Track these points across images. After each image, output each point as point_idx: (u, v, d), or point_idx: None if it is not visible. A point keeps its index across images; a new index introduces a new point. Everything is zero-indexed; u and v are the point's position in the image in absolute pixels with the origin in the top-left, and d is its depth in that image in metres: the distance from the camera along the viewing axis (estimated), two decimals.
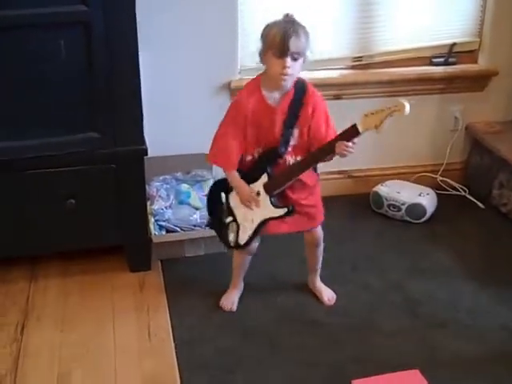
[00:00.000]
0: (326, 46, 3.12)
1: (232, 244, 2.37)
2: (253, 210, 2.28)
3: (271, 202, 2.26)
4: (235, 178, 2.27)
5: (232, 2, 2.87)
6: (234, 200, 2.33)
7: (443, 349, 2.26)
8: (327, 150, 2.14)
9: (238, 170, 2.28)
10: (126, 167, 2.47)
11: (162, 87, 2.91)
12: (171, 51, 2.88)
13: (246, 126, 2.21)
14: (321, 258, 2.50)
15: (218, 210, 2.39)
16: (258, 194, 2.27)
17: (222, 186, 2.35)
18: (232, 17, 2.90)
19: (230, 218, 2.35)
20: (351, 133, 2.06)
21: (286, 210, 2.25)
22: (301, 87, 2.20)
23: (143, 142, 2.48)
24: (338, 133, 2.13)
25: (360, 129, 2.04)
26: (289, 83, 2.15)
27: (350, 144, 2.06)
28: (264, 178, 2.25)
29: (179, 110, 3.02)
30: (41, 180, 2.42)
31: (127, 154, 2.45)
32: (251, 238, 2.32)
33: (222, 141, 2.25)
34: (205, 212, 2.62)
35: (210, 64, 2.95)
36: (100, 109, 2.36)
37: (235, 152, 2.24)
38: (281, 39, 2.04)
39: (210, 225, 2.53)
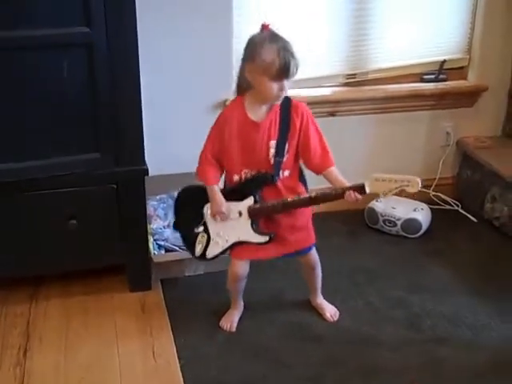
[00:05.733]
0: (320, 63, 3.17)
1: (197, 255, 2.37)
2: (229, 229, 2.28)
3: (252, 227, 2.25)
4: (212, 192, 2.27)
5: (227, 22, 2.90)
6: (209, 213, 2.31)
7: (447, 363, 2.27)
8: (334, 196, 2.18)
9: (225, 186, 2.31)
10: (126, 187, 2.48)
11: (159, 107, 2.92)
12: (168, 71, 2.90)
13: (230, 141, 2.22)
14: (320, 279, 2.51)
15: (188, 217, 2.37)
16: (240, 214, 2.26)
17: (200, 194, 2.32)
18: (227, 37, 2.93)
19: (201, 228, 2.33)
20: (358, 190, 2.11)
21: (267, 238, 2.24)
22: (286, 102, 2.20)
23: (144, 162, 2.48)
24: (347, 185, 2.15)
25: (367, 190, 2.09)
26: (280, 101, 2.17)
27: (360, 197, 2.11)
28: (249, 201, 2.24)
29: (174, 129, 3.03)
30: (42, 201, 2.41)
31: (128, 174, 2.46)
32: (219, 254, 2.34)
33: (203, 155, 2.29)
34: None
35: (207, 83, 2.97)
36: (101, 129, 2.36)
37: (214, 167, 2.26)
38: (281, 65, 2.03)
39: (176, 227, 2.48)
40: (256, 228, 2.26)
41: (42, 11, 2.15)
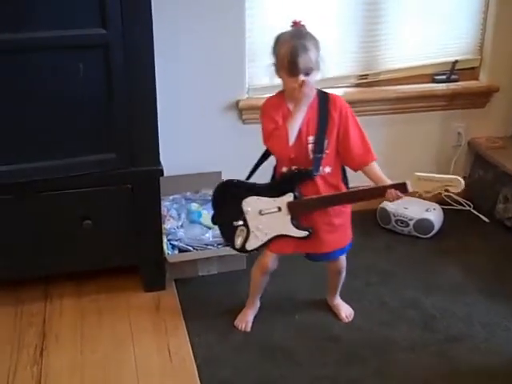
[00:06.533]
0: (332, 64, 3.16)
1: (237, 247, 2.36)
2: (269, 224, 2.27)
3: (292, 222, 2.25)
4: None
5: (240, 24, 2.92)
6: (248, 207, 2.29)
7: (462, 363, 2.28)
8: (374, 194, 2.19)
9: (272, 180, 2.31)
10: (141, 187, 2.49)
11: (170, 107, 2.93)
12: (181, 72, 2.91)
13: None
14: (341, 282, 2.52)
15: (227, 211, 2.35)
16: (279, 209, 2.25)
17: (238, 188, 2.31)
18: (240, 37, 2.94)
19: (240, 222, 2.32)
20: (400, 189, 2.10)
21: (306, 233, 2.25)
22: (323, 97, 2.21)
23: (159, 162, 2.49)
24: (389, 183, 2.15)
25: (409, 189, 2.09)
26: (308, 94, 2.12)
27: (401, 196, 2.11)
28: (289, 197, 2.23)
29: (187, 130, 3.04)
30: (57, 201, 2.43)
31: (143, 174, 2.47)
32: (259, 248, 2.34)
33: (266, 137, 2.19)
34: (217, 231, 2.55)
35: (219, 84, 2.98)
36: (117, 130, 2.37)
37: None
38: (290, 60, 2.06)
39: (215, 221, 2.45)
40: (296, 223, 2.26)
41: (58, 13, 2.16)
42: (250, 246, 2.33)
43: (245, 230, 2.31)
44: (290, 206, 2.24)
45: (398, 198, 2.12)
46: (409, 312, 2.55)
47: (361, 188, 2.24)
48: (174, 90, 2.93)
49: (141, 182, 2.48)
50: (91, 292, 2.66)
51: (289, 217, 2.25)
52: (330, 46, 3.11)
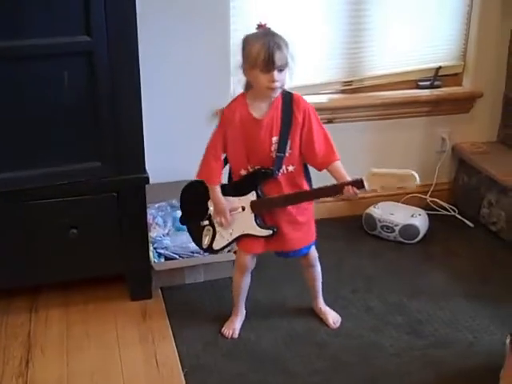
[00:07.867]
0: (317, 70, 3.18)
1: (205, 247, 2.42)
2: (234, 223, 2.31)
3: (256, 221, 2.29)
4: (215, 194, 2.31)
5: (225, 32, 2.92)
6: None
7: (449, 367, 2.29)
8: (332, 191, 2.22)
9: (230, 181, 2.35)
10: (127, 195, 2.48)
11: (155, 115, 2.92)
12: (166, 81, 2.90)
13: (235, 139, 2.24)
14: (319, 280, 2.52)
15: (193, 210, 2.42)
16: (243, 209, 2.29)
17: (205, 188, 2.35)
18: (225, 46, 2.94)
19: (206, 222, 2.38)
20: (357, 185, 2.13)
21: (270, 232, 2.29)
22: (287, 97, 2.23)
23: (144, 170, 2.49)
24: (346, 181, 2.16)
25: (366, 186, 2.11)
26: (277, 93, 2.19)
27: (358, 192, 2.13)
28: (252, 196, 2.28)
29: (172, 137, 3.03)
30: (43, 210, 2.41)
31: (129, 182, 2.46)
32: (226, 246, 2.39)
33: (207, 156, 2.31)
34: None
35: (205, 92, 2.98)
36: (102, 138, 2.36)
37: (218, 168, 2.30)
38: (265, 56, 2.07)
39: (183, 222, 2.53)
40: (259, 222, 2.29)
41: (43, 20, 2.16)
42: (216, 245, 2.38)
43: (211, 230, 2.37)
44: (252, 204, 2.28)
45: (356, 194, 2.14)
46: (395, 317, 2.56)
47: (320, 186, 2.26)
48: (159, 97, 2.92)
49: (126, 190, 2.47)
50: (77, 302, 2.64)
51: (252, 216, 2.28)
52: (315, 53, 3.15)
